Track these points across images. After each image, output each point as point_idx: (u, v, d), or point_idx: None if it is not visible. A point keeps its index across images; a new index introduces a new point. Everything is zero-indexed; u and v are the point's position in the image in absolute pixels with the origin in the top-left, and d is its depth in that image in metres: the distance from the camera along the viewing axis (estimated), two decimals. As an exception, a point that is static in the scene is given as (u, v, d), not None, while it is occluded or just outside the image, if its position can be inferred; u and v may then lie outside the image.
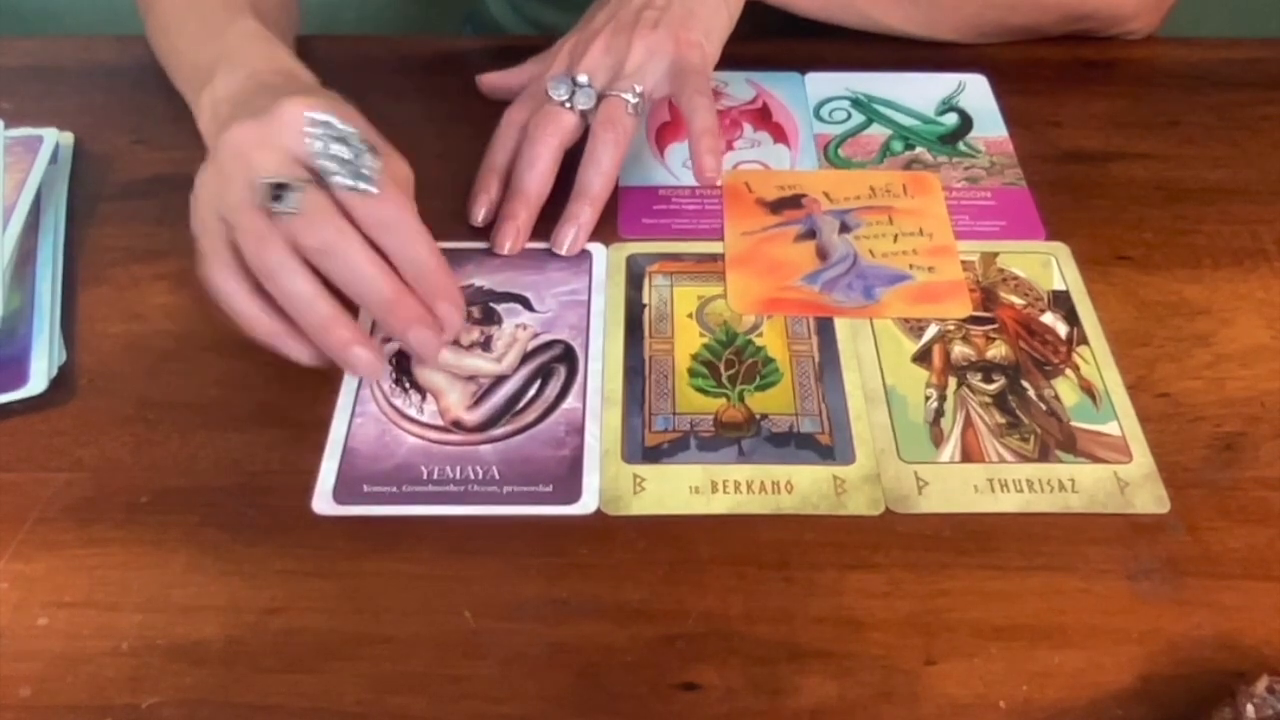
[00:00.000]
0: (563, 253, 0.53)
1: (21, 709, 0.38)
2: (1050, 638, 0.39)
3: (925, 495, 0.44)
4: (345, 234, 0.43)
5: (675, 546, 0.42)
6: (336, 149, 0.43)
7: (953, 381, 0.48)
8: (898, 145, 0.61)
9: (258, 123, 0.45)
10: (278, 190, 0.43)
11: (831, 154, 0.60)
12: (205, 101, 0.51)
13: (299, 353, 0.45)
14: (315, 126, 0.44)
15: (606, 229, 0.55)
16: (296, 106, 0.44)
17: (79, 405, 0.47)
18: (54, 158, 0.57)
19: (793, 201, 0.57)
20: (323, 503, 0.43)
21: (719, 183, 0.57)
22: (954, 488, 0.44)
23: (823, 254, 0.54)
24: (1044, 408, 0.47)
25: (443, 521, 0.43)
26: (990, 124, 0.62)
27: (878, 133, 0.61)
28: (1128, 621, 0.40)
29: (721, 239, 0.55)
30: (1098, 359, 0.49)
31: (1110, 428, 0.46)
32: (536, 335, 0.50)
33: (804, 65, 0.66)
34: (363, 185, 0.43)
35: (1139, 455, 0.45)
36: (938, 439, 0.46)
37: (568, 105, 0.54)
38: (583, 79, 0.55)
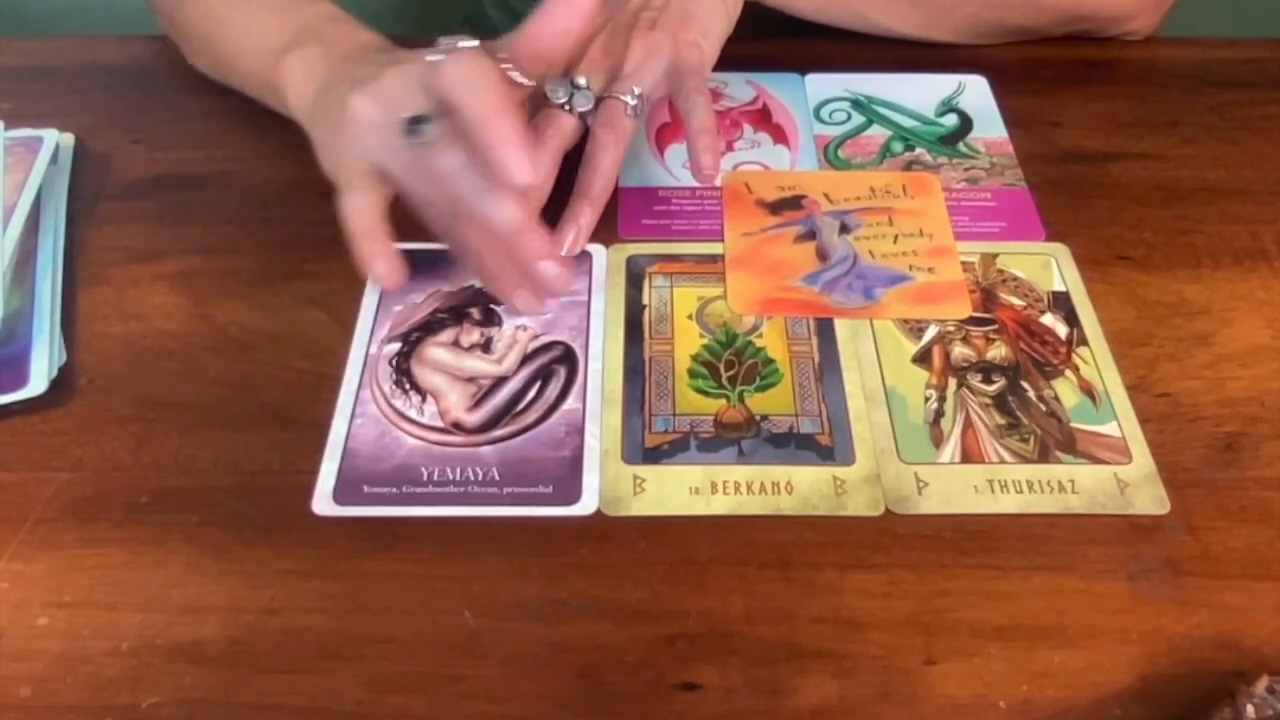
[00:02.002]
0: (563, 254, 0.53)
1: (21, 709, 0.38)
2: (1050, 638, 0.39)
3: (925, 496, 0.44)
4: (464, 159, 0.44)
5: (675, 547, 0.42)
6: (446, 46, 0.44)
7: (953, 382, 0.48)
8: (898, 146, 0.61)
9: (398, 65, 0.46)
10: (414, 124, 0.44)
11: (831, 155, 0.60)
12: (296, 66, 0.52)
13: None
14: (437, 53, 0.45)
15: (606, 230, 0.55)
16: (419, 56, 0.46)
17: (79, 405, 0.47)
18: (54, 158, 0.57)
19: (793, 202, 0.57)
20: (323, 503, 0.43)
21: (718, 181, 0.57)
22: (954, 488, 0.44)
23: (823, 255, 0.54)
24: (1044, 408, 0.47)
25: (443, 522, 0.43)
26: (990, 125, 0.62)
27: (878, 134, 0.61)
28: (1128, 621, 0.40)
29: (721, 240, 0.55)
30: (1098, 360, 0.49)
31: (1110, 428, 0.46)
32: (536, 336, 0.50)
33: (804, 66, 0.66)
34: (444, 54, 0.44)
35: (1139, 456, 0.45)
36: (938, 440, 0.46)
37: (566, 108, 0.54)
38: (581, 81, 0.55)
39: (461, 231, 0.46)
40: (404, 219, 0.55)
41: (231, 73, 0.60)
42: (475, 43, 0.44)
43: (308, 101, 0.52)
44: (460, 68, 0.43)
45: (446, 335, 0.50)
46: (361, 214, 0.47)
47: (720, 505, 0.43)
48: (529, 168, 0.41)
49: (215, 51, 0.61)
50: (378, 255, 0.47)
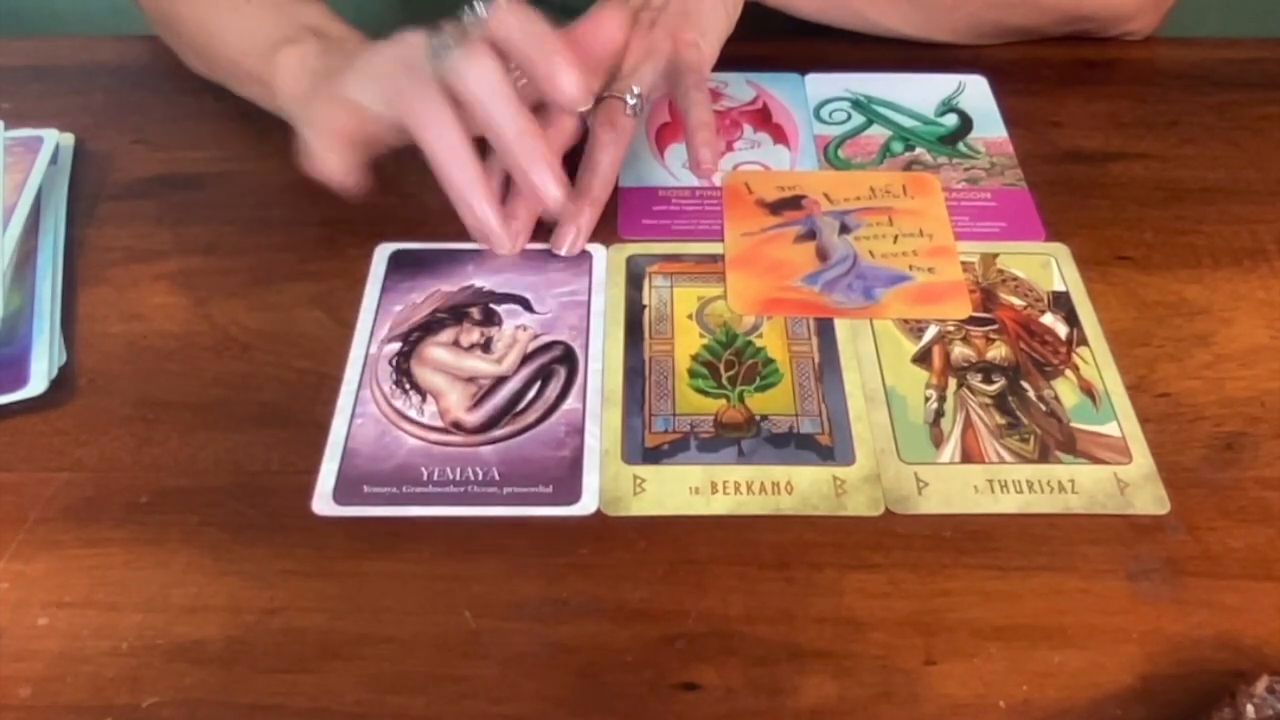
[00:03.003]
0: (563, 254, 0.53)
1: (21, 709, 0.38)
2: (1050, 638, 0.39)
3: (925, 496, 0.44)
4: (500, 71, 0.45)
5: (675, 547, 0.42)
6: (479, 7, 0.46)
7: (953, 382, 0.48)
8: (898, 146, 0.61)
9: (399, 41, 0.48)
10: (438, 49, 0.46)
11: (831, 155, 0.60)
12: (291, 58, 0.53)
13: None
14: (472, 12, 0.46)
15: (606, 230, 0.55)
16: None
17: (79, 405, 0.47)
18: (54, 158, 0.57)
19: (793, 202, 0.57)
20: (323, 503, 0.43)
21: (717, 181, 0.57)
22: (954, 488, 0.44)
23: (823, 255, 0.54)
24: (1044, 408, 0.47)
25: (443, 522, 0.43)
26: (990, 125, 0.62)
27: (878, 134, 0.61)
28: (1128, 621, 0.40)
29: (721, 240, 0.55)
30: (1097, 360, 0.49)
31: (1110, 428, 0.46)
32: (536, 336, 0.50)
33: (804, 66, 0.66)
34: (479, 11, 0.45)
35: (1139, 456, 0.45)
36: (938, 440, 0.46)
37: (566, 107, 0.55)
38: (581, 81, 0.55)
39: (457, 137, 0.46)
40: (402, 220, 0.55)
41: (216, 66, 0.60)
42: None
43: (301, 91, 0.52)
44: (506, 11, 0.45)
45: (446, 335, 0.50)
46: (328, 124, 0.49)
47: (720, 505, 0.43)
48: (582, 88, 0.45)
49: (204, 46, 0.61)
50: (332, 150, 0.48)
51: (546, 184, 0.46)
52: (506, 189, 0.55)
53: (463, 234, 0.54)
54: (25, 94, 0.63)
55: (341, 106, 0.49)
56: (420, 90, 0.46)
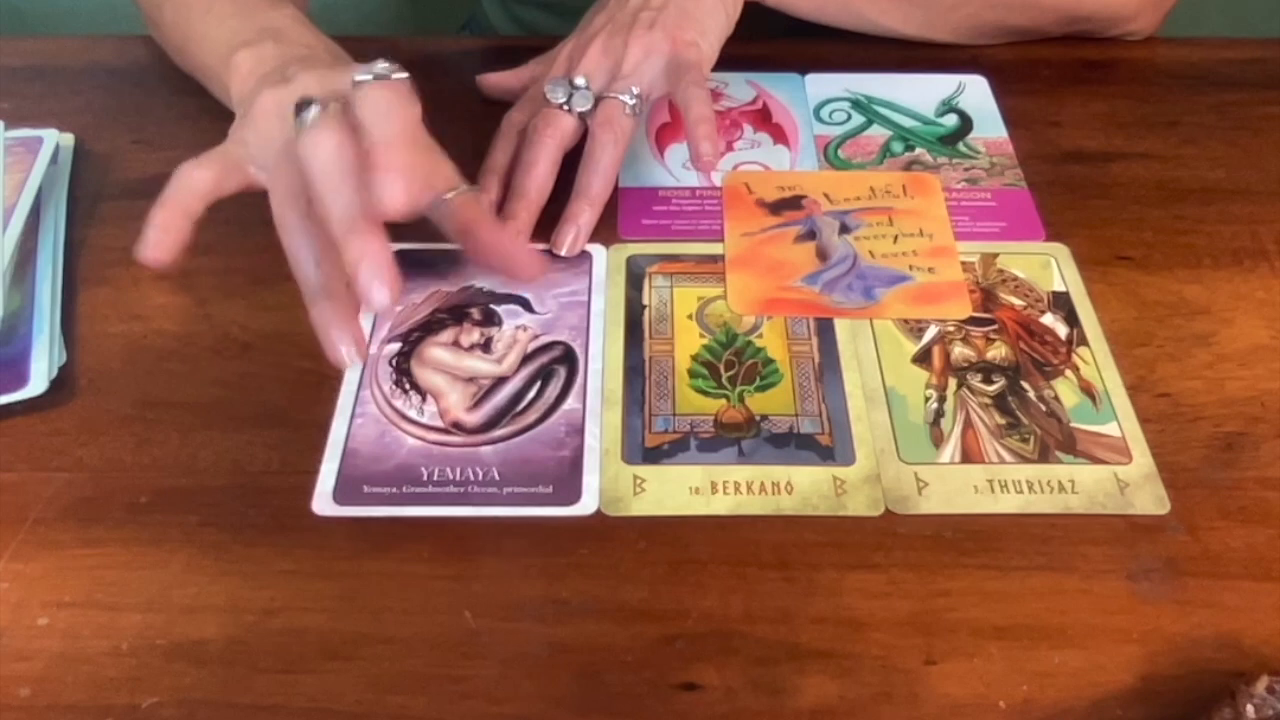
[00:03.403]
0: (563, 254, 0.53)
1: (21, 709, 0.38)
2: (1050, 638, 0.39)
3: (925, 496, 0.44)
4: (338, 149, 0.42)
5: (675, 547, 0.42)
6: (379, 66, 0.44)
7: (953, 382, 0.48)
8: (898, 146, 0.61)
9: (327, 69, 0.47)
10: (303, 107, 0.43)
11: (831, 155, 0.60)
12: (244, 61, 0.52)
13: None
14: (373, 65, 0.44)
15: (606, 230, 0.55)
16: (356, 67, 0.45)
17: (79, 405, 0.47)
18: (54, 158, 0.57)
19: (793, 202, 0.57)
20: (323, 503, 0.43)
21: (717, 180, 0.57)
22: (954, 488, 0.44)
23: (823, 255, 0.54)
24: (1044, 408, 0.47)
25: (443, 522, 0.43)
26: (990, 125, 0.62)
27: (878, 134, 0.61)
28: (1128, 621, 0.40)
29: (721, 240, 0.55)
30: (1098, 360, 0.49)
31: (1110, 428, 0.46)
32: (537, 336, 0.50)
33: (804, 66, 0.66)
34: (374, 75, 0.43)
35: (1139, 456, 0.45)
36: (938, 440, 0.46)
37: (565, 107, 0.55)
38: (580, 81, 0.55)
39: (304, 239, 0.45)
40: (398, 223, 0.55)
41: (194, 70, 0.60)
42: (406, 75, 0.44)
43: (247, 91, 0.51)
44: (381, 92, 0.43)
45: (446, 335, 0.50)
46: (184, 183, 0.46)
47: (720, 505, 0.43)
48: (403, 200, 0.41)
49: (181, 50, 0.61)
50: (156, 224, 0.46)
51: (370, 285, 0.41)
52: (506, 189, 0.55)
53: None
54: (25, 94, 0.63)
55: (193, 170, 0.47)
56: (278, 170, 0.45)
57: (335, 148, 0.42)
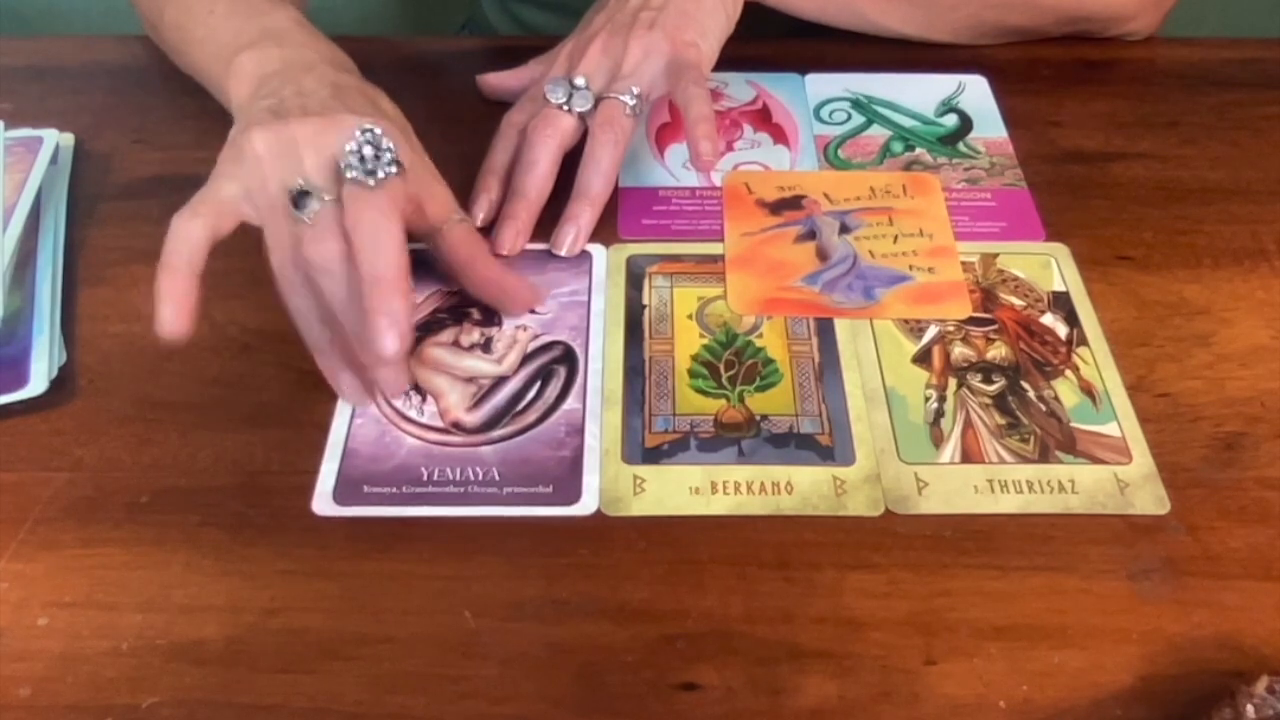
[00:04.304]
0: (563, 254, 0.53)
1: (21, 709, 0.38)
2: (1050, 638, 0.39)
3: (925, 496, 0.44)
4: (341, 258, 0.44)
5: (675, 547, 0.42)
6: (366, 150, 0.44)
7: (953, 382, 0.48)
8: (898, 146, 0.61)
9: (320, 119, 0.46)
10: (301, 198, 0.44)
11: (831, 155, 0.60)
12: (246, 64, 0.51)
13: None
14: (363, 133, 0.44)
15: (606, 230, 0.55)
16: (353, 120, 0.45)
17: (79, 405, 0.47)
18: (54, 158, 0.57)
19: (793, 202, 0.57)
20: (323, 503, 0.43)
21: (717, 180, 0.57)
22: (954, 488, 0.44)
23: (823, 255, 0.54)
24: (1044, 408, 0.47)
25: (443, 522, 0.43)
26: (990, 125, 0.62)
27: (878, 134, 0.61)
28: (1128, 621, 0.40)
29: (721, 240, 0.55)
30: (1098, 360, 0.49)
31: (1110, 428, 0.46)
32: (537, 336, 0.50)
33: (804, 66, 0.66)
34: (363, 178, 0.44)
35: (1139, 456, 0.45)
36: (938, 440, 0.46)
37: (565, 108, 0.55)
38: (580, 81, 0.55)
39: (308, 301, 0.45)
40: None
41: (194, 72, 0.60)
42: (396, 169, 0.44)
43: (245, 96, 0.50)
44: (368, 214, 0.43)
45: (446, 335, 0.50)
46: (183, 241, 0.44)
47: (720, 505, 0.43)
48: (397, 343, 0.42)
49: (182, 53, 0.61)
50: (168, 297, 0.43)
51: (378, 335, 0.42)
52: (506, 189, 0.55)
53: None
54: (25, 94, 0.63)
55: (189, 225, 0.45)
56: (278, 233, 0.45)
57: (339, 255, 0.44)
